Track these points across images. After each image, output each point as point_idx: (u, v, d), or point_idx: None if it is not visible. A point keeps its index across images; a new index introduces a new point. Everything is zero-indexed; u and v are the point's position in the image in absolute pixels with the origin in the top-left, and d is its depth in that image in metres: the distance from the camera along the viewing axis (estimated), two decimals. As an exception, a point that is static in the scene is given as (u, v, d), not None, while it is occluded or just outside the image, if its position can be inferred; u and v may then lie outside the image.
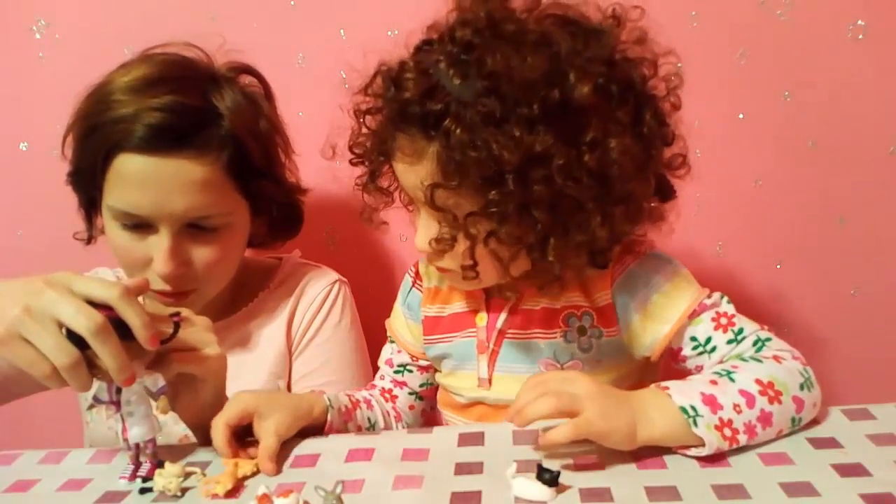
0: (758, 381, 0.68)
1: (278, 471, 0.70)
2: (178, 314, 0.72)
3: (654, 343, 0.78)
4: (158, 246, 0.84)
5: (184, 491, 0.68)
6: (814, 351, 0.73)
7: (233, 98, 0.87)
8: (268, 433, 0.72)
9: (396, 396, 0.94)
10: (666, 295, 0.77)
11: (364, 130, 0.78)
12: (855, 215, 1.11)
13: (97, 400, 0.71)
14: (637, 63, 0.72)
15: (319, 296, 0.99)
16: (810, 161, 1.10)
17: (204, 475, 0.70)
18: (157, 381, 0.71)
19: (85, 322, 0.63)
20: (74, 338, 0.63)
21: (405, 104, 0.68)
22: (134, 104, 0.81)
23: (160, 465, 0.69)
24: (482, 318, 0.84)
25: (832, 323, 1.15)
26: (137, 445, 0.72)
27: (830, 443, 0.67)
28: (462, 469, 0.67)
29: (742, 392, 0.67)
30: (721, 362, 0.75)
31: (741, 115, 1.09)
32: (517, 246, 0.71)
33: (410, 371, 0.94)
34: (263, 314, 0.98)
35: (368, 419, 0.87)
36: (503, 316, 0.82)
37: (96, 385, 0.68)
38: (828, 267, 1.13)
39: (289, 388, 0.98)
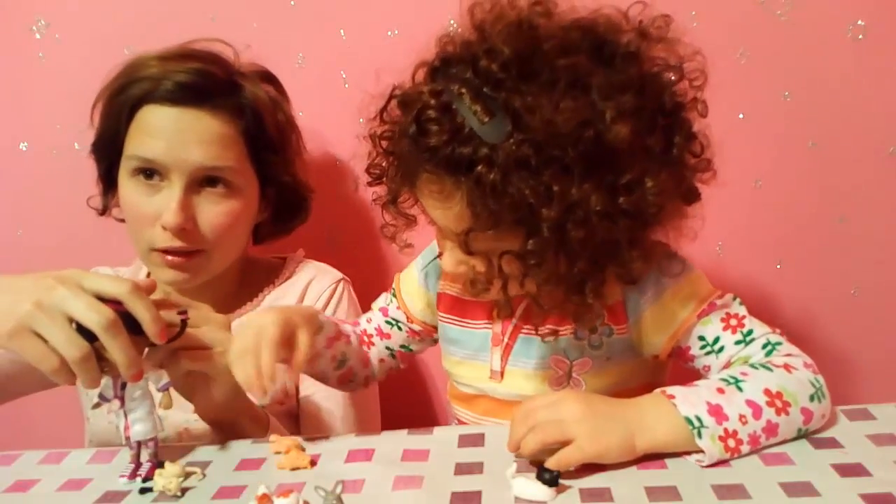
0: (766, 392, 0.67)
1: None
2: (184, 311, 0.72)
3: (662, 341, 0.78)
4: (169, 198, 0.87)
5: (184, 491, 0.67)
6: (813, 351, 0.73)
7: (255, 85, 0.94)
8: (304, 344, 0.76)
9: (373, 344, 0.93)
10: (676, 293, 0.77)
11: (380, 151, 0.76)
12: (855, 215, 1.11)
13: (102, 398, 0.71)
14: (662, 71, 0.69)
15: (325, 293, 1.01)
16: (810, 161, 1.10)
17: (204, 475, 0.71)
18: (161, 377, 0.72)
19: (96, 317, 0.64)
20: (84, 333, 0.64)
21: (432, 151, 0.65)
22: (164, 67, 0.88)
23: (160, 465, 0.69)
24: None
25: (832, 323, 1.15)
26: (139, 444, 0.72)
27: (830, 443, 0.67)
28: (462, 469, 0.67)
29: (749, 402, 0.66)
30: (729, 363, 0.75)
31: (741, 115, 1.09)
32: (553, 287, 0.70)
33: (400, 329, 0.93)
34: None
35: (344, 353, 0.87)
36: (519, 311, 0.82)
37: (102, 381, 0.69)
38: (828, 267, 1.13)
39: (296, 387, 0.99)
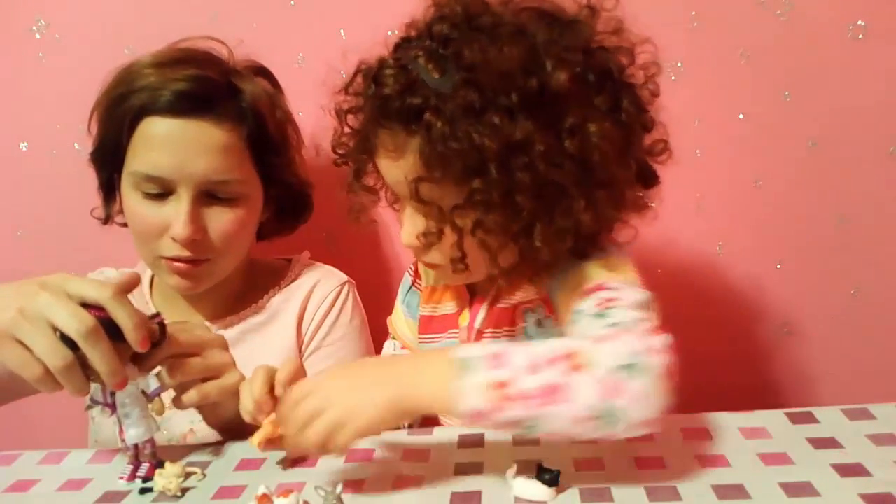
0: (560, 349, 0.60)
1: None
2: (158, 315, 0.71)
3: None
4: (177, 210, 0.86)
5: (184, 491, 0.68)
6: (814, 351, 0.73)
7: (252, 83, 0.93)
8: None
9: None
10: (580, 272, 0.73)
11: (346, 130, 0.79)
12: (855, 215, 1.11)
13: (94, 401, 0.71)
14: (613, 52, 0.72)
15: (330, 296, 1.00)
16: (810, 161, 1.10)
17: (204, 475, 0.71)
18: (151, 382, 0.71)
19: (76, 325, 0.62)
20: (68, 340, 0.63)
21: (385, 100, 0.69)
22: (161, 75, 0.86)
23: (160, 465, 0.69)
24: (464, 318, 0.84)
25: (832, 323, 1.15)
26: (136, 446, 0.72)
27: (830, 443, 0.67)
28: (462, 469, 0.68)
29: (535, 357, 0.60)
30: None
31: (741, 115, 1.09)
32: (504, 235, 0.70)
33: None
34: (273, 312, 0.99)
35: None
36: (480, 315, 0.82)
37: (92, 386, 0.68)
38: (828, 267, 1.13)
39: None
